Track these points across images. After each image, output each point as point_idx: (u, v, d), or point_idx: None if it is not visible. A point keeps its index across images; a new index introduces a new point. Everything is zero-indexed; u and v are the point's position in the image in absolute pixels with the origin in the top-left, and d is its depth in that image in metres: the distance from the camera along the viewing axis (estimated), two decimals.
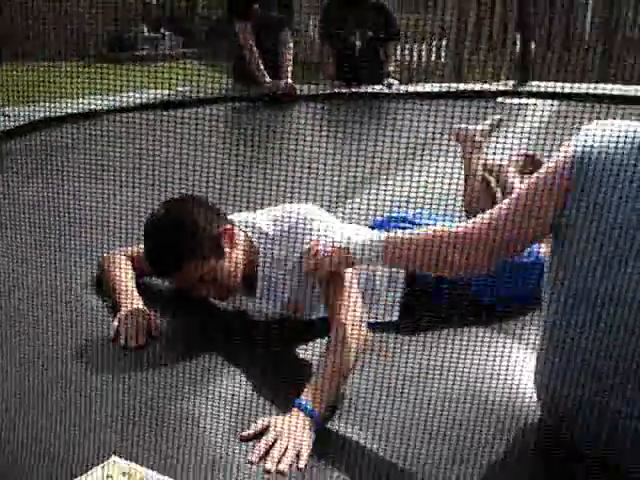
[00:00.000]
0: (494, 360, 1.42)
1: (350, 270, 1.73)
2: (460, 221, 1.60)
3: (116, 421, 1.46)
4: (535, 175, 1.40)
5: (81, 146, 2.25)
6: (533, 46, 5.21)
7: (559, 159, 1.36)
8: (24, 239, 1.94)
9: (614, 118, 1.39)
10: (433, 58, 7.99)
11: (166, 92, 3.89)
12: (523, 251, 1.68)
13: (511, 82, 4.92)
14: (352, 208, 2.16)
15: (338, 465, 1.39)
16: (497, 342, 1.49)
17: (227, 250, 1.81)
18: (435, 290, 1.92)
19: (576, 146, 1.34)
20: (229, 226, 1.84)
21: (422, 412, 1.46)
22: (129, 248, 2.02)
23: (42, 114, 3.29)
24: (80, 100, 3.39)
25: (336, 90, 4.51)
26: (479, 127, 2.57)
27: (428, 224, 2.01)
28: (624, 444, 1.32)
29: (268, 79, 4.48)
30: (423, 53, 7.95)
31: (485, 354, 1.44)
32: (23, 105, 3.50)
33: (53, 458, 1.33)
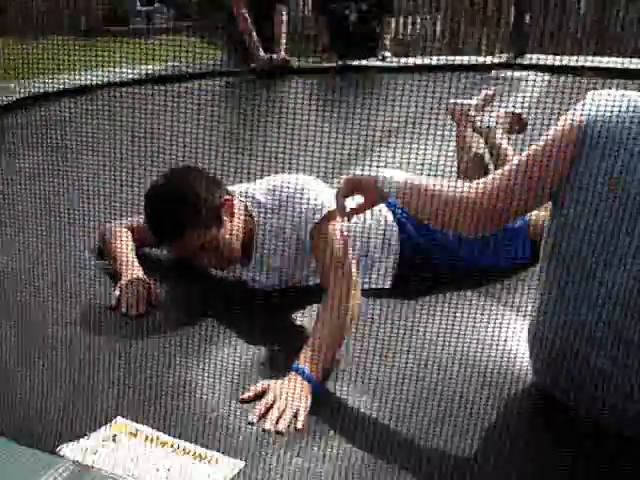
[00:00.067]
0: (483, 323, 1.47)
1: (345, 233, 1.77)
2: None
3: (119, 385, 1.51)
4: (540, 142, 1.42)
5: (79, 120, 2.28)
6: (528, 19, 5.20)
7: (564, 127, 1.38)
8: (26, 210, 1.98)
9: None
10: (428, 31, 7.96)
11: (160, 66, 3.90)
12: (523, 217, 1.72)
13: (506, 55, 4.92)
14: None
15: (334, 426, 1.44)
16: (486, 306, 1.54)
17: (226, 220, 1.85)
18: (423, 258, 1.97)
19: (581, 115, 1.36)
20: (228, 197, 1.88)
21: (416, 375, 1.51)
22: (129, 219, 2.06)
23: (39, 89, 3.29)
24: (76, 75, 3.40)
25: (330, 63, 4.53)
26: (473, 102, 2.59)
27: None
28: (609, 401, 1.38)
29: (262, 53, 4.49)
30: (418, 26, 7.93)
31: (474, 317, 1.49)
32: (19, 80, 3.51)
33: (60, 419, 1.38)
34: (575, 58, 4.38)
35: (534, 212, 1.82)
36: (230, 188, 1.94)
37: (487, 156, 2.50)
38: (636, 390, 1.35)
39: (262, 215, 1.89)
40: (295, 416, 1.45)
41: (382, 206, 2.04)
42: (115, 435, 1.34)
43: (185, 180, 1.84)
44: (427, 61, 4.70)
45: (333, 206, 1.78)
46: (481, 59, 4.83)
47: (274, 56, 4.49)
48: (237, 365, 1.60)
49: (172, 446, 1.33)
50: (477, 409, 1.45)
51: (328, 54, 4.82)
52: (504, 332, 1.50)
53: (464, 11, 7.82)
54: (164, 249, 2.06)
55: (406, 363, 1.53)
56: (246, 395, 1.51)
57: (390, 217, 2.04)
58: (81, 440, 1.32)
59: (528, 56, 4.67)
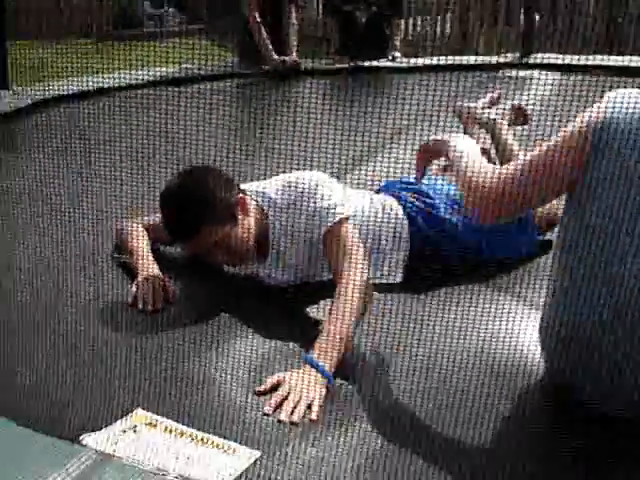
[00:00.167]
0: (494, 315, 1.50)
1: (357, 235, 1.81)
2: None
3: (137, 378, 1.54)
4: (558, 137, 1.44)
5: (94, 123, 2.33)
6: (537, 18, 5.22)
7: (583, 123, 1.40)
8: (43, 210, 2.03)
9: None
10: (438, 32, 7.99)
11: (173, 69, 3.94)
12: (537, 208, 1.75)
13: (514, 55, 4.94)
14: (359, 176, 2.24)
15: (348, 416, 1.47)
16: (495, 298, 1.56)
17: (240, 218, 1.88)
18: (433, 249, 2.01)
19: (600, 112, 1.39)
20: (242, 195, 1.92)
21: (430, 368, 1.54)
22: (145, 218, 2.10)
23: (52, 93, 3.35)
24: (90, 78, 3.45)
25: (342, 65, 4.57)
26: (479, 104, 2.61)
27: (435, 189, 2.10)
28: (622, 396, 1.41)
29: (275, 55, 4.54)
30: (428, 27, 7.95)
31: (484, 310, 1.52)
32: (32, 84, 3.57)
33: (81, 411, 1.42)
34: (584, 57, 4.40)
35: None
36: (243, 186, 1.98)
37: (493, 152, 2.53)
38: None
39: (274, 213, 1.93)
40: (309, 407, 1.48)
41: (393, 201, 2.08)
42: (135, 426, 1.38)
43: (200, 179, 1.88)
44: (436, 61, 4.73)
45: (346, 208, 1.82)
46: (488, 58, 4.87)
47: (286, 58, 4.54)
48: (253, 358, 1.63)
49: (191, 436, 1.36)
50: (490, 401, 1.47)
51: (340, 56, 4.86)
52: (515, 324, 1.53)
53: (473, 12, 7.84)
54: (178, 247, 2.10)
55: (416, 355, 1.56)
56: (262, 387, 1.54)
57: (400, 212, 2.07)
58: (103, 430, 1.36)
59: (536, 55, 4.69)
